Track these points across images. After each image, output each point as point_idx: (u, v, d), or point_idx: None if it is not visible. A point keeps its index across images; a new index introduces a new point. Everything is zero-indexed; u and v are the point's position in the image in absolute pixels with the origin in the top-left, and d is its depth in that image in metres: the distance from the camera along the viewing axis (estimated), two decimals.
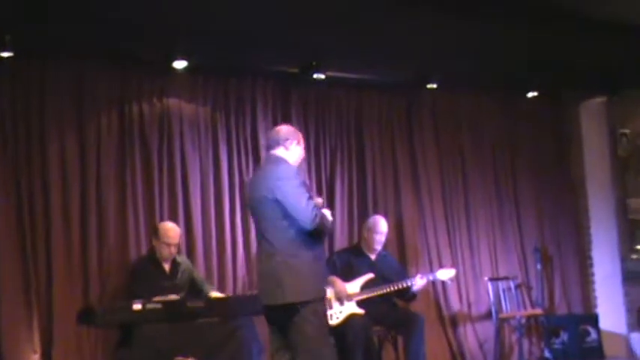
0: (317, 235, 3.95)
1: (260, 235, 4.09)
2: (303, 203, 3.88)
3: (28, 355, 5.35)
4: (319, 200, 4.14)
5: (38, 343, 5.40)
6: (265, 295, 4.02)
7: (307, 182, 4.24)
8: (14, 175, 5.49)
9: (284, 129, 4.27)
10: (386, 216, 6.49)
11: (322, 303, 4.01)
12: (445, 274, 5.96)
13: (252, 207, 4.15)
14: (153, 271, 5.50)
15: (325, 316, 4.08)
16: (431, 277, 5.97)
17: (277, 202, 3.92)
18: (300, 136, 4.26)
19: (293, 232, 3.92)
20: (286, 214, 3.92)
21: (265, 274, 4.01)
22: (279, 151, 4.16)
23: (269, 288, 3.97)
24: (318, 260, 4.00)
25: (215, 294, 5.52)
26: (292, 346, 3.94)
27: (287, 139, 4.17)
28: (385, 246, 6.23)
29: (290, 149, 4.17)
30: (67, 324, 5.40)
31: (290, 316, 3.89)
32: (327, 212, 4.07)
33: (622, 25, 6.18)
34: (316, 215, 3.87)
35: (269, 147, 4.23)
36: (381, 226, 6.05)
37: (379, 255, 6.08)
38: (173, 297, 5.19)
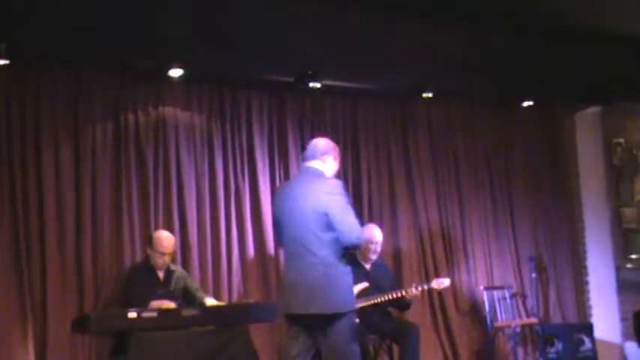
0: (352, 249, 4.15)
1: (299, 247, 4.09)
2: (351, 218, 4.02)
3: None
4: None
5: (32, 351, 5.37)
6: (300, 304, 4.05)
7: None
8: (9, 183, 5.48)
9: (323, 142, 4.35)
10: (381, 224, 6.50)
11: (354, 315, 4.11)
12: (440, 283, 5.96)
13: (290, 216, 4.16)
14: (147, 279, 5.48)
15: (355, 328, 4.13)
16: (425, 287, 5.96)
17: (325, 215, 4.01)
18: (337, 151, 4.35)
19: (335, 245, 4.03)
20: (330, 227, 4.01)
21: (302, 283, 4.04)
22: (315, 164, 4.24)
23: (305, 297, 4.02)
24: (350, 274, 4.11)
25: (210, 301, 5.51)
26: (321, 353, 4.06)
27: (325, 153, 4.27)
28: (380, 255, 6.23)
29: (327, 163, 4.26)
30: (62, 332, 5.38)
31: (324, 326, 4.00)
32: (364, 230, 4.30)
33: (616, 36, 6.22)
34: (359, 231, 4.05)
35: (305, 158, 4.31)
36: (376, 235, 6.05)
37: (374, 264, 6.08)
38: (167, 303, 5.19)
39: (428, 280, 6.34)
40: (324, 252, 4.02)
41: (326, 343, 4.03)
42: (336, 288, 4.01)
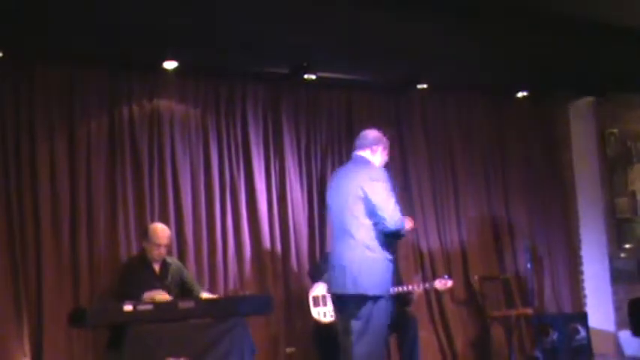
0: (394, 237, 4.28)
1: (341, 230, 4.32)
2: (392, 205, 4.17)
3: (18, 357, 5.32)
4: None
5: (28, 345, 5.38)
6: (338, 284, 4.29)
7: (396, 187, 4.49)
8: (3, 176, 5.46)
9: (373, 133, 4.56)
10: None
11: (388, 300, 4.26)
12: (443, 284, 6.00)
13: (335, 200, 4.41)
14: (143, 272, 5.48)
15: (388, 312, 4.28)
16: (428, 286, 6.03)
17: (367, 200, 4.18)
18: (387, 143, 4.56)
19: (375, 230, 4.19)
20: (372, 213, 4.18)
21: (340, 263, 4.26)
22: (365, 153, 4.45)
23: (343, 278, 4.23)
24: (391, 261, 4.26)
25: (206, 295, 5.52)
26: (353, 331, 4.20)
27: (375, 144, 4.48)
28: None
29: (376, 154, 4.47)
30: (57, 326, 5.39)
31: (359, 306, 4.17)
32: (407, 220, 4.45)
33: (611, 27, 6.22)
34: (400, 219, 4.19)
35: (356, 147, 4.51)
36: None
37: None
38: (160, 293, 5.18)
39: (431, 280, 6.35)
40: (363, 235, 4.19)
41: (355, 324, 4.20)
42: (369, 270, 4.17)
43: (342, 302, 4.31)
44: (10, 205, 5.45)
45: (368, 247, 4.19)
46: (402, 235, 4.36)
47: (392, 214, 4.15)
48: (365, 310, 4.16)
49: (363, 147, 4.47)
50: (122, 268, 5.64)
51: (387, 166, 6.81)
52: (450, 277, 6.25)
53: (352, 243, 4.22)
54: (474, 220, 7.35)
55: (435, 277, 6.67)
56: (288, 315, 6.32)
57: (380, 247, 4.20)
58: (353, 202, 4.24)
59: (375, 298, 4.17)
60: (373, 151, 4.47)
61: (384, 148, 4.52)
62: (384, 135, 4.60)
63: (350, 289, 4.20)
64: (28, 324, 5.40)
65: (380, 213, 4.15)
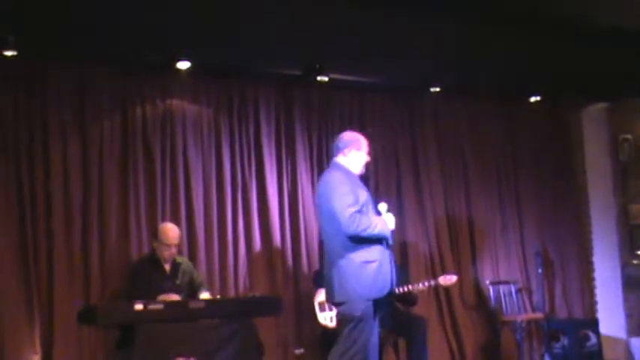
0: (368, 240, 4.19)
1: (324, 237, 4.46)
2: (344, 210, 4.15)
3: (29, 355, 5.35)
4: (383, 206, 4.39)
5: (39, 343, 5.40)
6: (326, 293, 4.45)
7: (364, 189, 4.42)
8: (16, 175, 5.49)
9: (345, 136, 4.54)
10: None
11: (367, 303, 4.20)
12: (447, 280, 5.96)
13: (319, 209, 4.49)
14: (153, 272, 5.50)
15: (368, 317, 4.21)
16: (433, 283, 5.98)
17: (329, 207, 4.24)
18: (361, 143, 4.49)
19: (342, 236, 4.20)
20: (335, 220, 4.21)
21: (326, 274, 4.37)
22: (338, 158, 4.45)
23: (328, 286, 4.36)
24: (368, 264, 4.21)
25: (204, 295, 5.52)
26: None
27: (345, 147, 4.45)
28: None
29: (348, 156, 4.43)
30: (68, 324, 5.40)
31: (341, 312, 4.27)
32: (389, 218, 4.34)
33: (624, 32, 6.19)
34: (354, 222, 4.12)
35: (333, 154, 4.53)
36: None
37: None
38: (174, 296, 5.20)
39: (435, 277, 6.32)
40: (334, 244, 4.26)
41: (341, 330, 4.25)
42: (341, 278, 4.22)
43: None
44: (22, 203, 5.47)
45: (338, 254, 4.23)
46: (382, 236, 4.28)
47: (346, 220, 4.14)
48: (340, 317, 4.27)
49: (336, 151, 4.49)
50: (132, 267, 5.66)
51: (401, 169, 6.93)
52: (456, 273, 6.22)
53: (329, 250, 4.34)
54: (485, 222, 7.32)
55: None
56: (297, 316, 6.32)
57: (350, 253, 4.20)
58: (323, 211, 4.33)
59: (345, 304, 4.22)
60: (345, 155, 4.45)
61: (358, 149, 4.46)
62: (362, 134, 4.57)
63: (330, 298, 4.37)
64: (39, 322, 5.42)
65: (338, 218, 4.17)
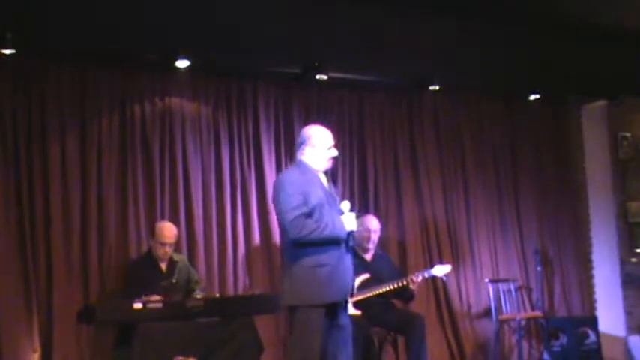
0: (321, 243, 3.99)
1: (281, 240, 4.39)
2: (286, 213, 3.97)
3: (28, 353, 5.35)
4: (346, 204, 4.17)
5: (38, 341, 5.40)
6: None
7: (321, 188, 4.16)
8: (14, 173, 5.48)
9: (302, 132, 4.29)
10: (387, 216, 6.51)
11: (315, 309, 4.01)
12: (441, 270, 5.90)
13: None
14: (149, 270, 5.50)
15: (315, 323, 4.02)
16: (426, 274, 5.89)
17: (277, 210, 4.12)
18: (315, 138, 4.19)
19: (289, 239, 4.03)
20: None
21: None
22: (299, 155, 4.23)
23: (281, 289, 4.26)
24: (319, 268, 4.01)
25: (198, 295, 5.51)
26: None
27: (302, 143, 4.22)
28: (382, 246, 6.23)
29: (305, 153, 4.20)
30: (67, 323, 5.40)
31: (291, 317, 4.11)
32: (348, 218, 4.11)
33: (624, 30, 6.21)
34: (297, 226, 3.93)
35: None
36: (371, 223, 6.01)
37: (375, 255, 6.07)
38: (155, 297, 5.17)
39: (429, 268, 6.23)
40: (286, 246, 4.11)
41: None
42: (290, 281, 4.07)
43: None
44: (21, 202, 5.47)
45: (289, 258, 4.10)
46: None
47: (288, 224, 3.96)
48: (292, 320, 4.07)
49: (297, 149, 4.27)
50: (129, 266, 5.67)
51: (400, 167, 6.92)
52: (449, 262, 6.21)
53: (283, 252, 4.31)
54: (484, 220, 7.32)
55: (444, 281, 6.66)
56: None
57: (301, 256, 4.01)
58: (276, 211, 4.17)
59: (296, 308, 4.03)
60: (302, 151, 4.20)
61: (314, 144, 4.17)
62: (322, 125, 4.32)
63: (282, 301, 4.22)
64: (38, 320, 5.42)
65: (282, 222, 4.05)
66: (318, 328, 4.00)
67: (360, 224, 5.89)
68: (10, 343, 5.29)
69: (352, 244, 4.22)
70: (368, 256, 6.02)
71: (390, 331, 6.00)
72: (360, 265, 5.83)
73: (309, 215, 3.98)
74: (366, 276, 5.68)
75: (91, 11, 4.95)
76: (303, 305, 4.01)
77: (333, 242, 4.03)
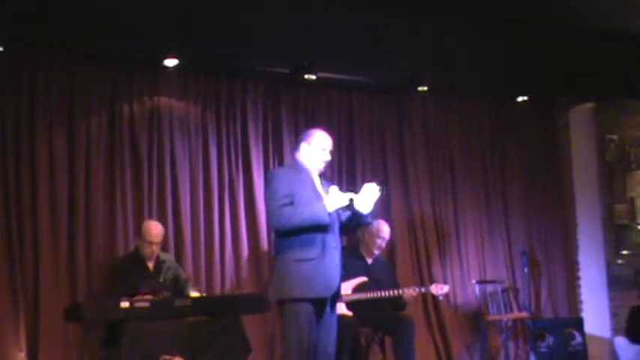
0: (305, 232, 4.00)
1: None
2: (270, 206, 4.10)
3: (14, 353, 5.32)
4: (334, 188, 4.14)
5: (24, 341, 5.37)
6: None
7: (311, 188, 4.21)
8: (2, 172, 5.46)
9: (305, 131, 4.45)
10: (375, 218, 6.50)
11: (301, 303, 4.03)
12: (438, 289, 5.97)
13: None
14: (136, 269, 5.47)
15: (301, 317, 4.03)
16: (424, 291, 5.99)
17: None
18: (316, 137, 4.28)
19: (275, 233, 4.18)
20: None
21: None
22: (295, 153, 4.36)
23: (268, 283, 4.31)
24: (303, 262, 4.02)
25: (193, 294, 5.50)
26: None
27: (301, 140, 4.34)
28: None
29: (300, 152, 4.30)
30: (54, 322, 5.37)
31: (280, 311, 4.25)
32: (331, 195, 4.06)
33: (612, 33, 6.23)
34: (276, 215, 4.02)
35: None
36: (385, 231, 6.06)
37: (375, 259, 6.09)
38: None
39: (427, 285, 6.30)
40: (274, 241, 4.29)
41: None
42: (275, 275, 4.16)
43: None
44: (8, 201, 5.45)
45: (276, 251, 4.21)
46: (318, 224, 4.01)
47: (269, 216, 4.15)
48: (280, 314, 4.26)
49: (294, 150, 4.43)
50: (115, 265, 5.65)
51: (388, 167, 6.93)
52: (446, 283, 6.24)
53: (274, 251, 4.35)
54: (472, 222, 7.34)
55: (432, 281, 6.67)
56: None
57: (284, 250, 4.07)
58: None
59: (281, 302, 4.11)
60: (299, 150, 4.31)
61: (311, 143, 4.24)
62: (324, 130, 4.38)
63: (271, 296, 4.28)
64: (24, 319, 5.39)
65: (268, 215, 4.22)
66: (306, 321, 4.02)
67: (374, 227, 5.93)
68: None
69: (369, 219, 4.30)
70: (369, 260, 6.05)
71: (379, 332, 6.01)
72: (360, 268, 5.86)
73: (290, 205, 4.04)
74: (363, 279, 5.69)
75: (79, 10, 4.92)
76: (289, 299, 4.06)
77: (315, 230, 4.02)
